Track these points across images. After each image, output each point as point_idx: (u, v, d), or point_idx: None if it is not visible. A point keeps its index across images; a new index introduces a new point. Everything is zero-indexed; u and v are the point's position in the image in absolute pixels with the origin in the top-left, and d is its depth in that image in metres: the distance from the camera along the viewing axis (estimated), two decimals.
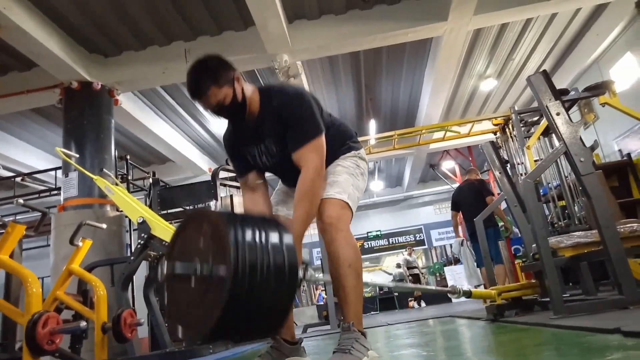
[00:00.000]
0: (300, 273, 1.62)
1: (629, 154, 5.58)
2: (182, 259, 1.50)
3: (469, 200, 5.75)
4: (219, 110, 1.79)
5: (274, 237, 1.49)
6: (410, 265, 11.51)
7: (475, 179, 6.06)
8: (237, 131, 1.96)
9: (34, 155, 8.61)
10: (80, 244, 3.24)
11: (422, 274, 12.26)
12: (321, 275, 1.81)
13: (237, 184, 5.14)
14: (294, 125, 1.79)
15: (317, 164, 1.75)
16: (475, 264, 5.98)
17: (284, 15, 5.28)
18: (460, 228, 6.46)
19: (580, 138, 2.59)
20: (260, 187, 2.01)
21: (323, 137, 1.81)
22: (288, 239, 1.52)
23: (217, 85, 1.73)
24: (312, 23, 5.86)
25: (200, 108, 7.88)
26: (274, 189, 2.21)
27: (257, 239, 1.44)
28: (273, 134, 1.84)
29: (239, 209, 5.19)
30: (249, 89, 1.85)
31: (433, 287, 5.04)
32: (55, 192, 7.22)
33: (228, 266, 1.33)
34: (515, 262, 6.38)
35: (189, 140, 9.34)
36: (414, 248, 13.99)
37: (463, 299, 8.78)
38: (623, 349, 1.33)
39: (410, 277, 11.35)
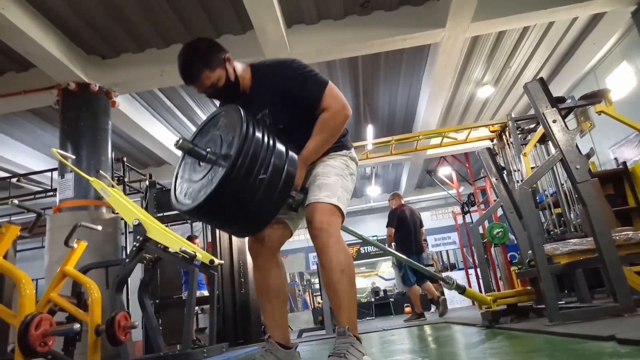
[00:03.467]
0: (297, 195, 1.73)
1: (624, 163, 5.61)
2: (198, 143, 1.69)
3: (413, 223, 6.37)
4: (213, 92, 1.81)
5: (281, 146, 1.62)
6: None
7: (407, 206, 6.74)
8: None
9: (30, 156, 8.58)
10: (75, 245, 3.22)
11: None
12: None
13: None
14: (302, 82, 1.81)
15: (339, 106, 1.79)
16: (402, 281, 6.38)
17: (282, 20, 5.29)
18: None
19: (577, 146, 2.61)
20: None
21: (332, 84, 1.84)
22: (293, 154, 1.65)
23: (209, 69, 1.76)
24: (311, 28, 5.88)
25: (198, 111, 7.95)
26: None
27: (266, 141, 1.56)
28: (268, 105, 1.85)
29: None
30: (240, 68, 1.87)
31: (426, 267, 5.13)
32: (51, 193, 7.18)
33: (232, 153, 1.46)
34: (511, 269, 6.40)
35: None
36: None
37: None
38: (617, 356, 1.33)
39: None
